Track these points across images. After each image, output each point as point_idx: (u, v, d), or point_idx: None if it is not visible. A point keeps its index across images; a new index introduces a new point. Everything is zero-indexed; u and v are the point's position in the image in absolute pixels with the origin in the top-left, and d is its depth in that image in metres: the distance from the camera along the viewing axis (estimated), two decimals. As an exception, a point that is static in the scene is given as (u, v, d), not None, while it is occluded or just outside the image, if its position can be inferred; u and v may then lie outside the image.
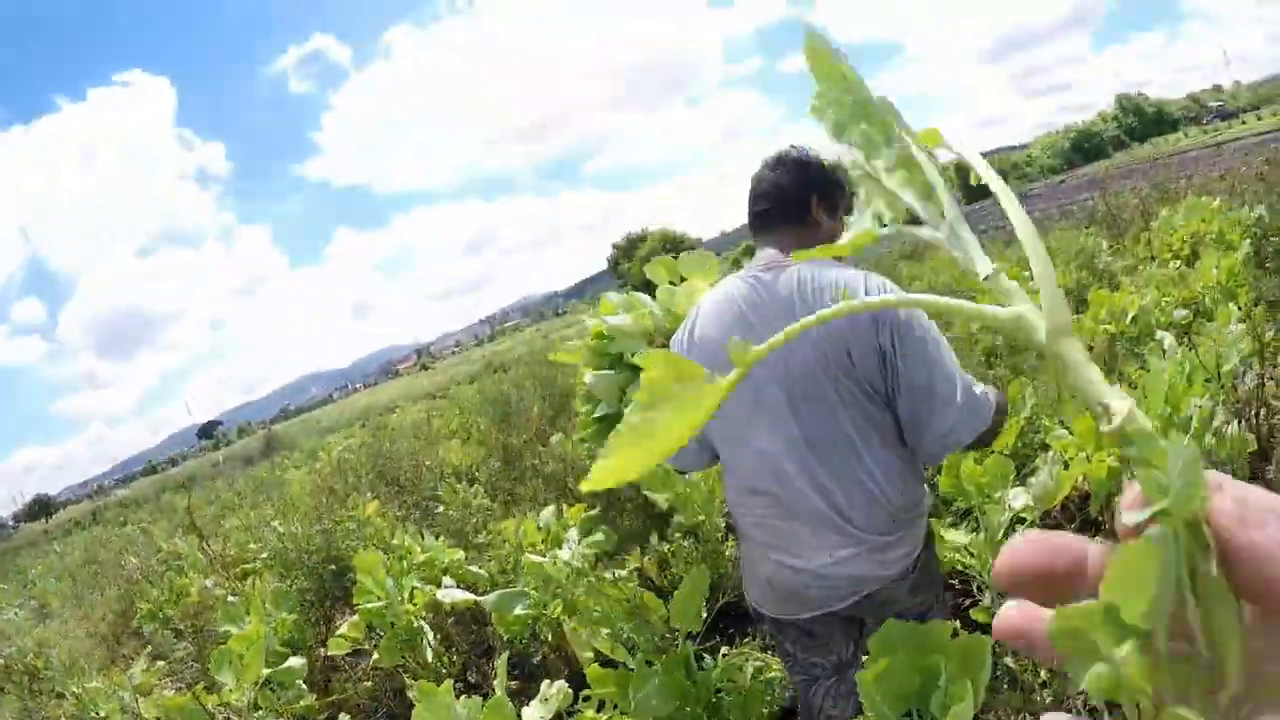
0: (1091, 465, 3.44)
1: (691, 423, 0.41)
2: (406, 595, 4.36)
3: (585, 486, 0.41)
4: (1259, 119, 70.35)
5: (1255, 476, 3.32)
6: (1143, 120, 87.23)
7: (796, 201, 2.52)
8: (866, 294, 2.23)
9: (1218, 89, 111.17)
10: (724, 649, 3.65)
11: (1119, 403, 0.38)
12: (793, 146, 2.63)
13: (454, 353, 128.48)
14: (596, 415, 2.85)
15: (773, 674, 3.42)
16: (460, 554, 4.87)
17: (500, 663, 2.98)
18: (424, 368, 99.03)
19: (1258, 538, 0.38)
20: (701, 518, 4.47)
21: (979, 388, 2.30)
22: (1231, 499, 0.38)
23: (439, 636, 4.46)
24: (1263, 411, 3.50)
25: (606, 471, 0.41)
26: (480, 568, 4.65)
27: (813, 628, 2.59)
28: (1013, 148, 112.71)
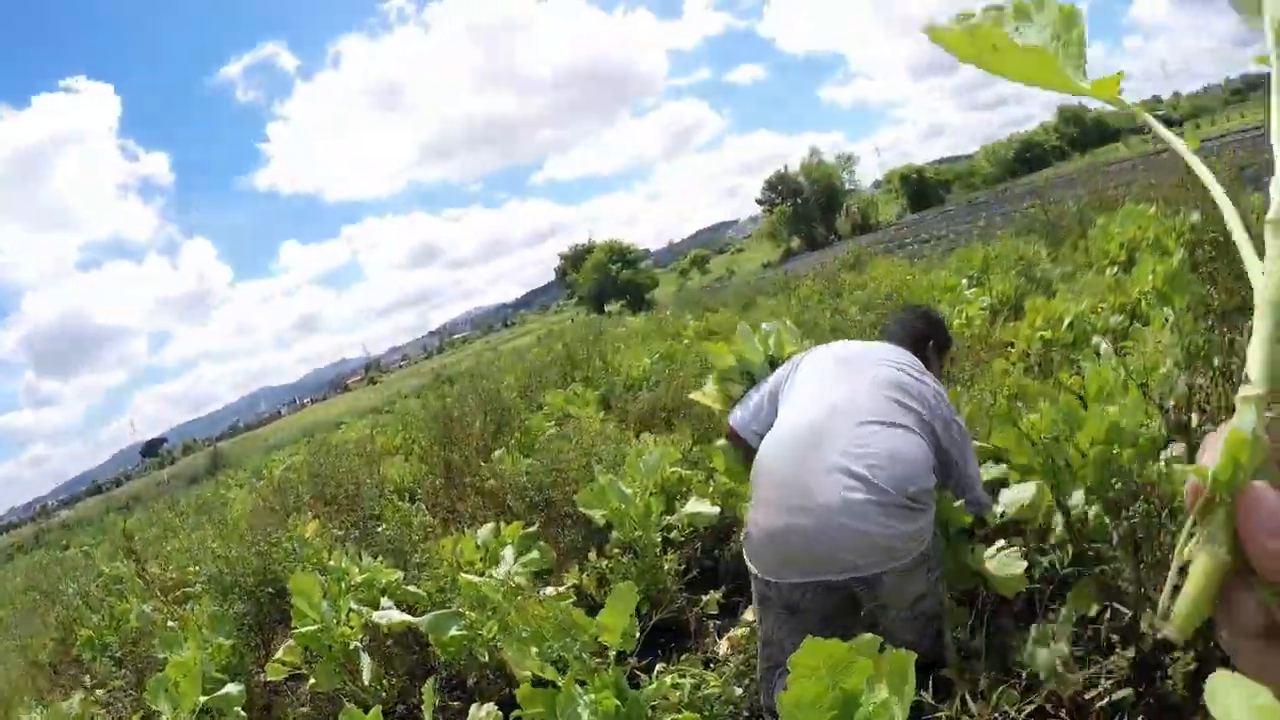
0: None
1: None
2: (343, 617, 4.24)
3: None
4: (1197, 127, 71.64)
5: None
6: (1083, 131, 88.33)
7: (921, 339, 3.59)
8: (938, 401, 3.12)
9: (1157, 100, 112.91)
10: (660, 666, 3.58)
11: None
12: (930, 308, 4.07)
13: (402, 366, 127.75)
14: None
15: (711, 689, 3.38)
16: (398, 574, 4.77)
17: (427, 687, 2.92)
18: (372, 381, 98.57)
19: None
20: (638, 533, 4.41)
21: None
22: None
23: (378, 658, 4.35)
24: (1195, 417, 3.50)
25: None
26: (419, 587, 4.57)
27: (799, 600, 2.91)
28: (958, 158, 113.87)
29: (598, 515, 4.50)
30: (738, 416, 3.56)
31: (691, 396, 4.50)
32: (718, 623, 4.34)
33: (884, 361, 3.23)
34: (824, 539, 2.77)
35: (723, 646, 4.06)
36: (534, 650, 2.94)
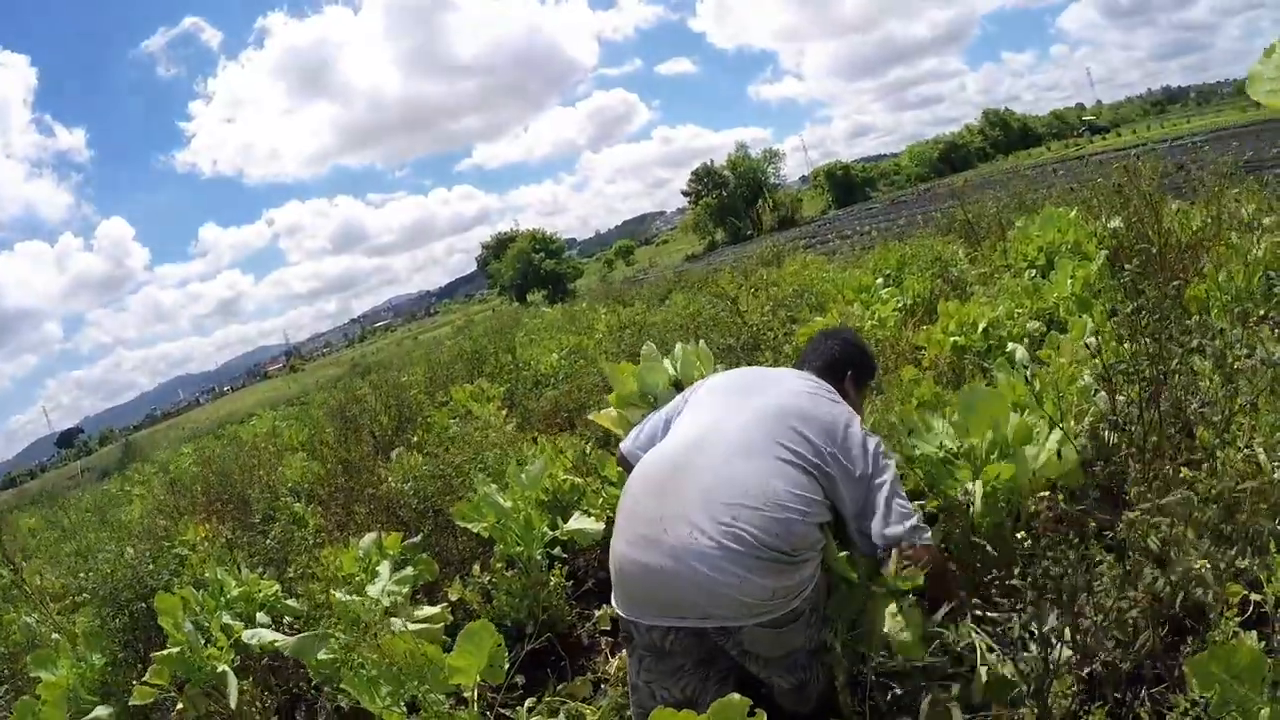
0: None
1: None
2: (217, 635, 3.98)
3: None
4: (1119, 135, 73.26)
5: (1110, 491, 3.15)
6: (1008, 134, 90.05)
7: (837, 366, 3.34)
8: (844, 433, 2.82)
9: (1081, 107, 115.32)
10: (530, 701, 3.32)
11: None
12: (854, 334, 3.72)
13: (324, 354, 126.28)
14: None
15: (586, 727, 3.18)
16: (275, 587, 4.51)
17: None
18: (293, 369, 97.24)
19: None
20: (520, 548, 4.17)
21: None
22: None
23: (252, 679, 4.06)
24: (1113, 436, 3.33)
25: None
26: (299, 602, 4.30)
27: (662, 642, 2.62)
28: (884, 156, 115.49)
29: (477, 528, 4.25)
30: (628, 442, 3.32)
31: (590, 418, 4.34)
32: (611, 639, 4.10)
33: (788, 391, 2.97)
34: (675, 581, 2.50)
35: (614, 664, 3.82)
36: (382, 690, 2.69)
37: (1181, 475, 2.60)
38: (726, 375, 3.37)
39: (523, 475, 4.37)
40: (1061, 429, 3.08)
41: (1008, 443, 3.06)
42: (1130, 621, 2.41)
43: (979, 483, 3.02)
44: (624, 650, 3.67)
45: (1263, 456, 2.62)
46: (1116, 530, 2.56)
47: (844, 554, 2.81)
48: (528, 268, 68.38)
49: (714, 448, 2.72)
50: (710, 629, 2.54)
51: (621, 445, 3.38)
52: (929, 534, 2.78)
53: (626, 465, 3.23)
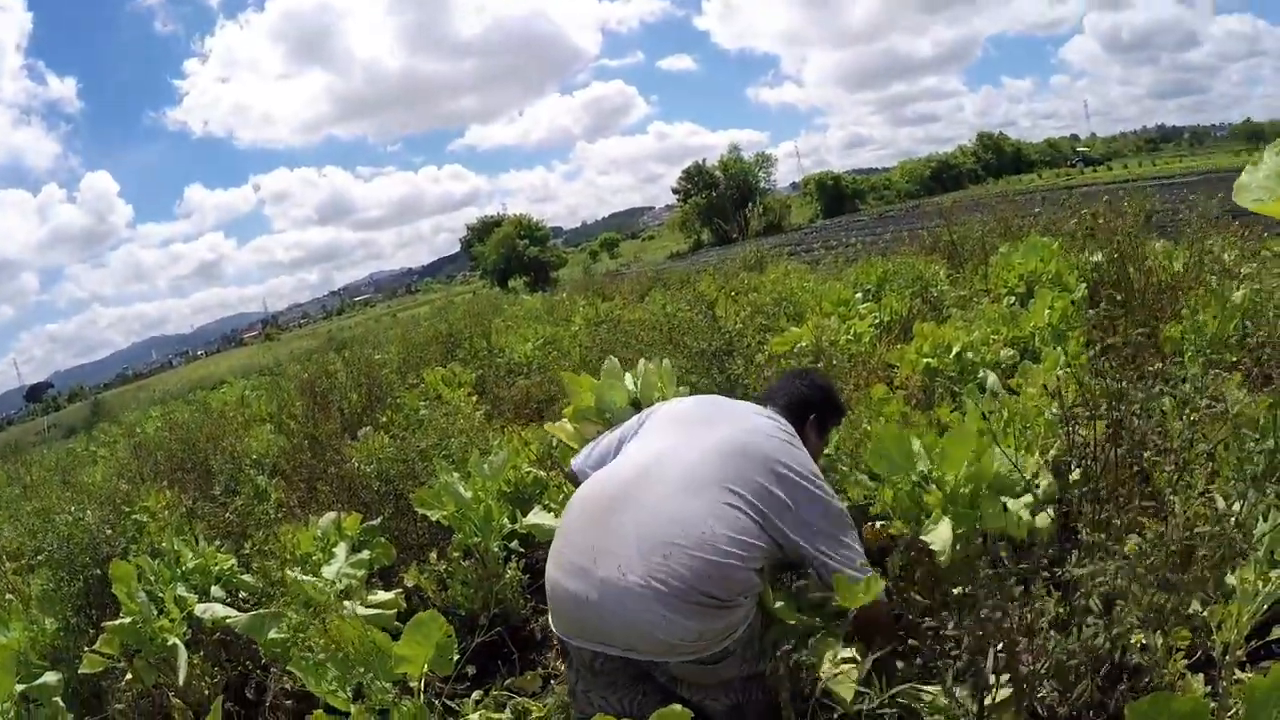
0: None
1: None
2: (170, 606, 3.98)
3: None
4: (1109, 169, 73.74)
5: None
6: (1000, 158, 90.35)
7: (800, 408, 3.25)
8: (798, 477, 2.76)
9: (1075, 138, 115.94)
10: (477, 694, 3.32)
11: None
12: (823, 376, 3.70)
13: (301, 324, 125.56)
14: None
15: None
16: (232, 560, 4.51)
17: (215, 707, 2.66)
18: (269, 338, 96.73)
19: None
20: (478, 539, 4.18)
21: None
22: None
23: (203, 654, 4.05)
24: (1077, 471, 3.35)
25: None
26: (255, 578, 4.28)
27: (594, 663, 2.62)
28: (876, 170, 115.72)
29: (436, 515, 4.24)
30: (579, 460, 3.29)
31: (547, 427, 4.34)
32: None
33: (748, 429, 2.90)
34: (600, 614, 2.50)
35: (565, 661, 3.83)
36: (329, 675, 2.68)
37: (1132, 520, 2.62)
38: (686, 403, 3.33)
39: (485, 466, 4.36)
40: (1035, 494, 3.07)
41: (982, 488, 3.07)
42: (1069, 670, 2.42)
43: (947, 521, 3.00)
44: (567, 654, 3.71)
45: (1221, 503, 2.64)
46: (1065, 569, 2.57)
47: (780, 604, 2.83)
48: (512, 253, 68.10)
49: (658, 482, 2.67)
50: (640, 661, 2.54)
51: (572, 462, 3.34)
52: (881, 586, 2.73)
53: (575, 483, 3.20)
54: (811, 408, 3.27)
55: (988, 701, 2.35)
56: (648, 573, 2.45)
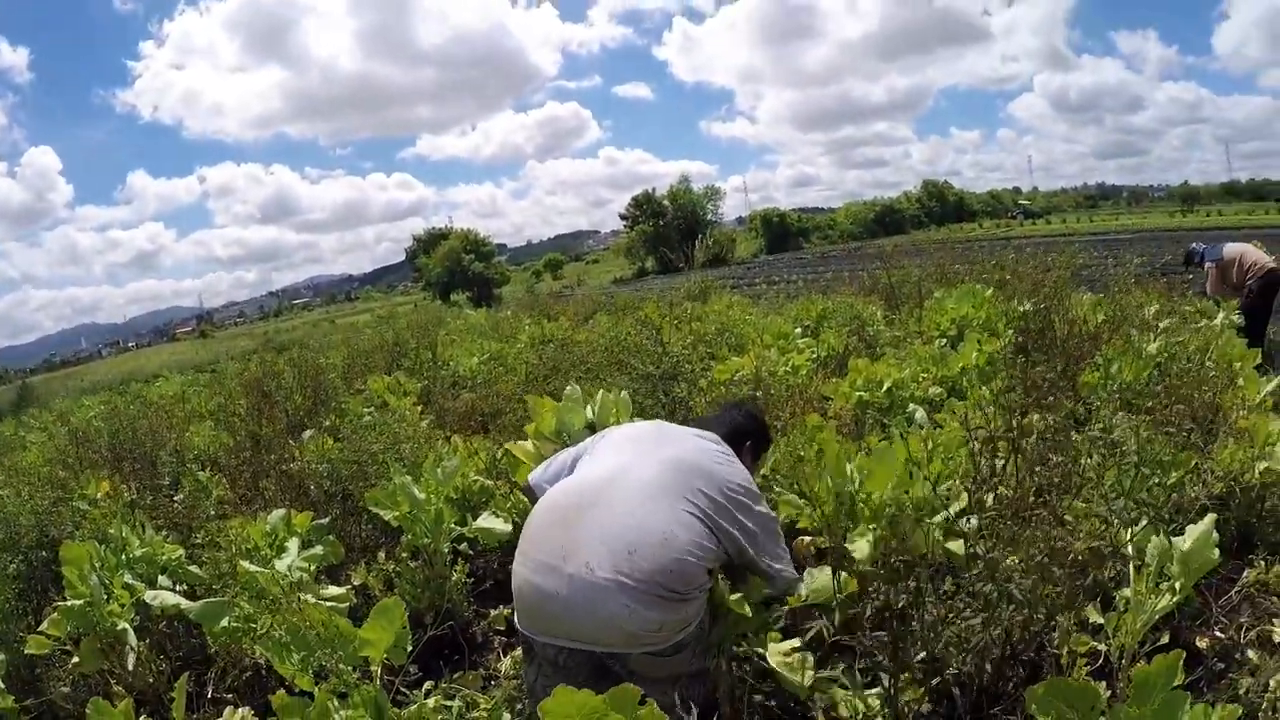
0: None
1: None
2: (116, 593, 4.01)
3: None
4: (1049, 223, 75.05)
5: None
6: (944, 206, 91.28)
7: (738, 435, 3.53)
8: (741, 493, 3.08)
9: (1018, 191, 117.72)
10: (429, 684, 3.47)
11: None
12: (756, 408, 4.25)
13: (237, 323, 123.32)
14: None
15: (480, 712, 3.32)
16: (180, 551, 4.52)
17: (179, 685, 2.78)
18: (203, 335, 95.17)
19: None
20: (428, 540, 4.33)
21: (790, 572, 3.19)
22: None
23: (149, 641, 4.11)
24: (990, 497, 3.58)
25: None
26: (202, 569, 4.35)
27: (557, 658, 2.79)
28: (821, 210, 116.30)
29: (389, 516, 4.37)
30: (536, 475, 3.47)
31: (507, 446, 4.50)
32: (504, 639, 4.28)
33: (695, 449, 3.18)
34: (568, 608, 2.70)
35: (505, 664, 3.99)
36: (294, 657, 2.81)
37: (1030, 535, 2.86)
38: (638, 426, 3.61)
39: (439, 470, 4.50)
40: (947, 516, 3.34)
41: (906, 498, 3.35)
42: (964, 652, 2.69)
43: (870, 536, 3.36)
44: (516, 651, 3.87)
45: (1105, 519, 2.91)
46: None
47: (736, 595, 3.11)
48: (456, 267, 67.52)
49: (622, 490, 2.90)
50: (601, 654, 2.72)
51: (530, 475, 3.51)
52: (803, 586, 3.26)
53: (531, 496, 3.39)
54: (747, 436, 3.59)
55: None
56: (614, 568, 2.66)
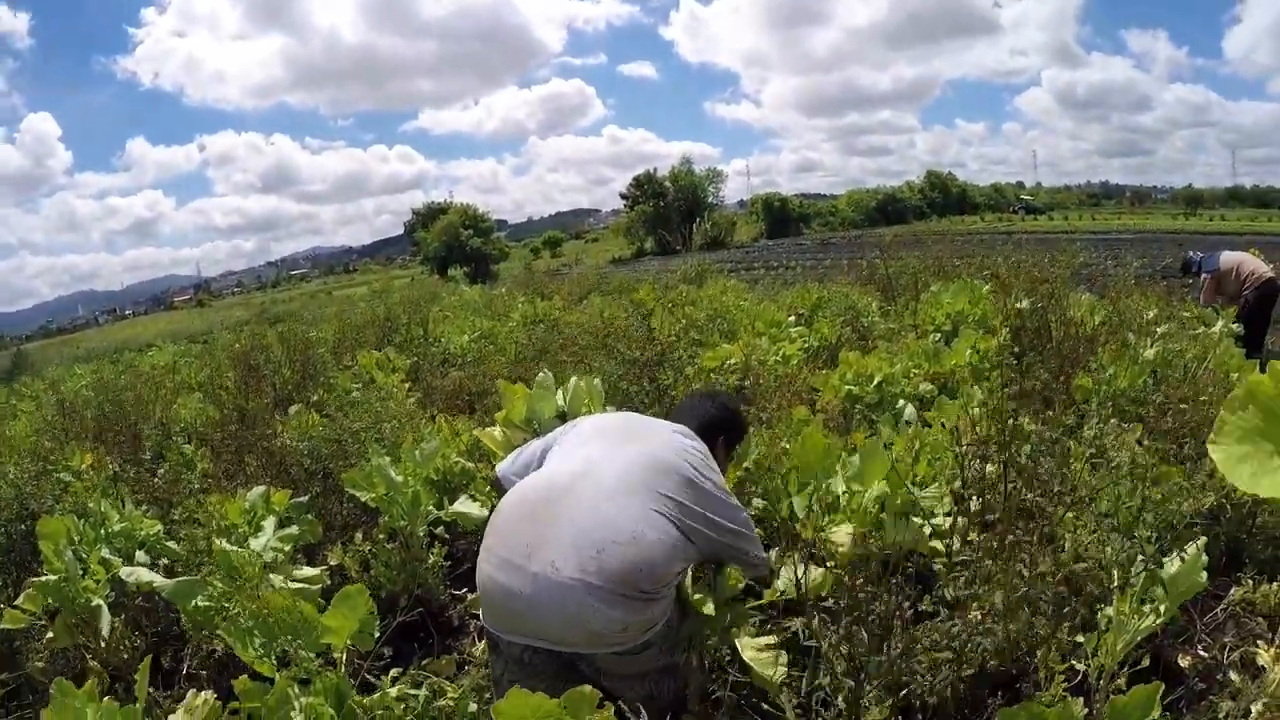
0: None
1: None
2: (95, 567, 3.99)
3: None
4: (1050, 219, 74.89)
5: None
6: (947, 197, 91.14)
7: (711, 428, 3.41)
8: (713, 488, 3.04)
9: (1021, 185, 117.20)
10: (395, 671, 3.42)
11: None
12: (731, 399, 3.91)
13: (235, 293, 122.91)
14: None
15: (446, 700, 3.27)
16: (158, 527, 4.52)
17: (142, 668, 2.73)
18: (200, 304, 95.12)
19: None
20: (404, 523, 4.29)
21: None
22: None
23: (124, 617, 4.08)
24: (976, 501, 3.53)
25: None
26: (180, 545, 4.30)
27: (522, 656, 2.74)
28: (824, 196, 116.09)
29: (365, 497, 4.35)
30: (504, 466, 3.41)
31: (476, 433, 4.46)
32: (480, 623, 4.20)
33: (667, 445, 3.09)
34: (534, 608, 2.63)
35: (480, 647, 3.93)
36: (257, 642, 2.77)
37: (1013, 550, 2.82)
38: (608, 418, 3.57)
39: (417, 452, 4.46)
40: (933, 525, 3.31)
41: (894, 503, 3.33)
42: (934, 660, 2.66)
43: (850, 526, 3.36)
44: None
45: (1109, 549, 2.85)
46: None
47: (698, 596, 3.12)
48: (454, 242, 67.36)
49: (591, 485, 2.82)
50: (567, 653, 2.68)
51: (498, 468, 3.46)
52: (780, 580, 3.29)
53: (500, 489, 3.33)
54: (720, 428, 3.47)
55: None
56: (580, 567, 2.59)
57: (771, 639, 3.11)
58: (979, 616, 2.74)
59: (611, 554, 2.62)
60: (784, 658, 3.01)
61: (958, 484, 3.54)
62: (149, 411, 7.72)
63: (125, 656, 3.97)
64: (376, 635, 2.93)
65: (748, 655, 3.01)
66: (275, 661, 2.78)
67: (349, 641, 2.78)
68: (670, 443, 3.10)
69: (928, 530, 3.38)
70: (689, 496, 2.88)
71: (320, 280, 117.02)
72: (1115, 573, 2.70)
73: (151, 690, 3.51)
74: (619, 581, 2.60)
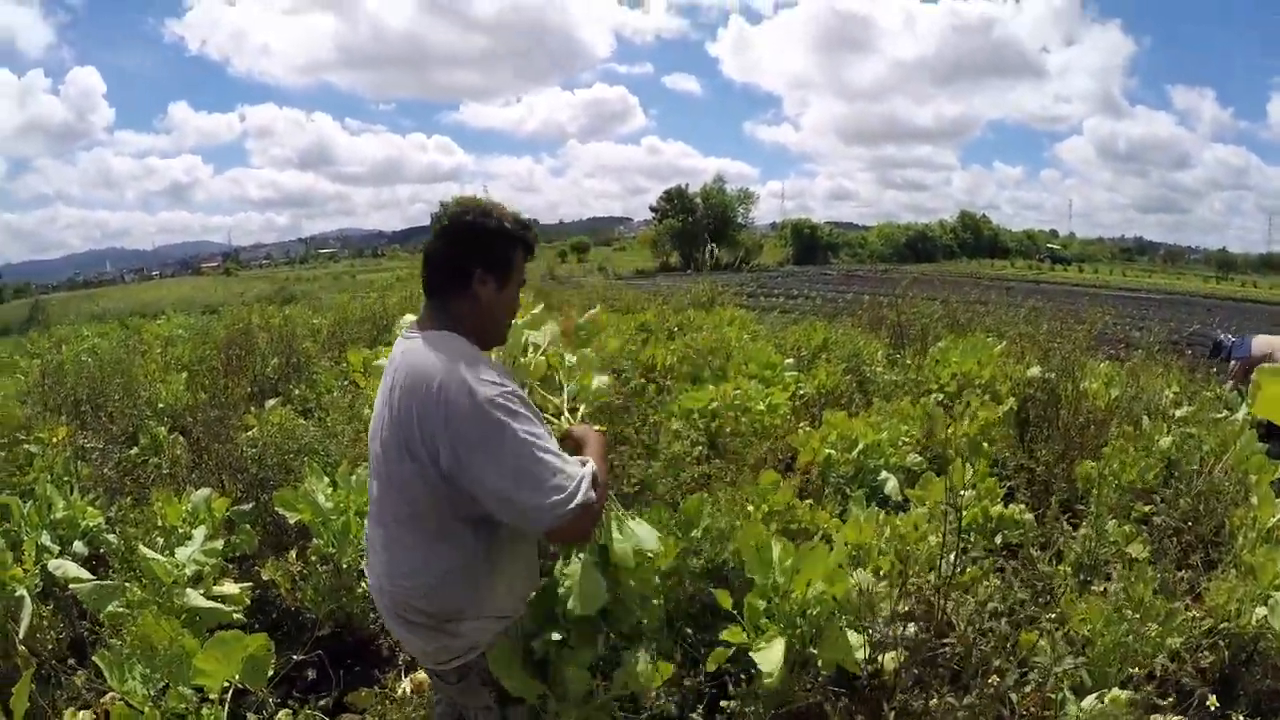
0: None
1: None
2: (30, 556, 3.89)
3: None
4: (1080, 271, 74.65)
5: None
6: (978, 239, 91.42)
7: (456, 271, 2.46)
8: (439, 392, 2.22)
9: (1054, 233, 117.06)
10: (283, 713, 3.21)
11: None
12: (470, 211, 2.56)
13: (263, 265, 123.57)
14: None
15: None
16: (100, 518, 4.42)
17: (19, 688, 2.54)
18: (228, 272, 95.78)
19: None
20: (333, 550, 4.13)
21: (571, 469, 2.25)
22: None
23: (52, 607, 3.97)
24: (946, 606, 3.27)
25: None
26: (115, 541, 4.14)
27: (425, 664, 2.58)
28: (855, 226, 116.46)
29: (291, 517, 4.22)
30: None
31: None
32: (409, 657, 3.98)
33: (395, 420, 2.33)
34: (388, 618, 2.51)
35: (405, 685, 3.72)
36: (135, 672, 2.61)
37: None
38: (377, 402, 2.54)
39: (353, 478, 4.26)
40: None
41: (829, 611, 3.02)
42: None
43: (781, 642, 2.87)
44: (418, 673, 3.64)
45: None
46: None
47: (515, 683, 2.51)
48: (481, 237, 68.06)
49: (371, 510, 2.53)
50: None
51: None
52: (579, 499, 2.20)
53: None
54: (466, 263, 2.47)
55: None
56: (385, 594, 2.45)
57: None
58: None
59: (392, 586, 2.46)
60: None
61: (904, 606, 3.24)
62: (133, 387, 7.54)
63: (51, 647, 3.84)
64: (270, 672, 2.76)
65: (642, 668, 2.59)
66: (155, 693, 2.62)
67: (223, 685, 2.61)
68: (405, 408, 2.32)
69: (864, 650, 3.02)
70: (434, 475, 2.26)
71: (348, 261, 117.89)
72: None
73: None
74: (407, 609, 2.42)
